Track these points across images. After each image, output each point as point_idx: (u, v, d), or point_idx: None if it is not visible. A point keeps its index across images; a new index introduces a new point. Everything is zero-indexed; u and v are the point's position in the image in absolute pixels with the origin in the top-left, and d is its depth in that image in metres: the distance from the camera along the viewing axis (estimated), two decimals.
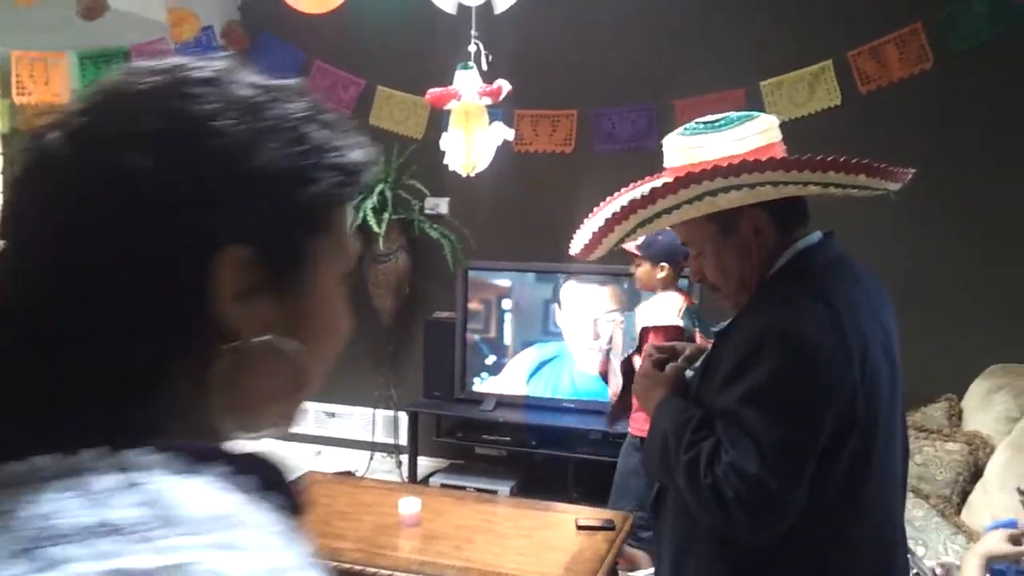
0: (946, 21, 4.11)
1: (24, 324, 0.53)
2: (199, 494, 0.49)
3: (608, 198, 1.82)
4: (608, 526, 3.01)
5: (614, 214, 1.55)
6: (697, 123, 1.59)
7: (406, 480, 4.75)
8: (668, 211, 1.47)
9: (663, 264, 3.46)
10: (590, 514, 3.15)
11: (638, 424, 3.51)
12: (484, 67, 3.50)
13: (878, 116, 4.22)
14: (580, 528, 2.99)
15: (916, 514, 2.84)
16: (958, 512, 2.91)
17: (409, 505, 2.99)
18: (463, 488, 4.39)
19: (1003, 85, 4.08)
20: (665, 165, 1.63)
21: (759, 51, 4.39)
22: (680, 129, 1.62)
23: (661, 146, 1.65)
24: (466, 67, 3.50)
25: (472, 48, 3.51)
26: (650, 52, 4.54)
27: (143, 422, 0.53)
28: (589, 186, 4.61)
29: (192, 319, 0.55)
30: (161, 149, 0.54)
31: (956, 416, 3.38)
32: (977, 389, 3.42)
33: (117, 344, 0.53)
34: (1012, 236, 4.06)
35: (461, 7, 3.43)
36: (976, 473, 2.98)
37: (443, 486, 4.44)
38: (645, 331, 3.32)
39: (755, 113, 1.61)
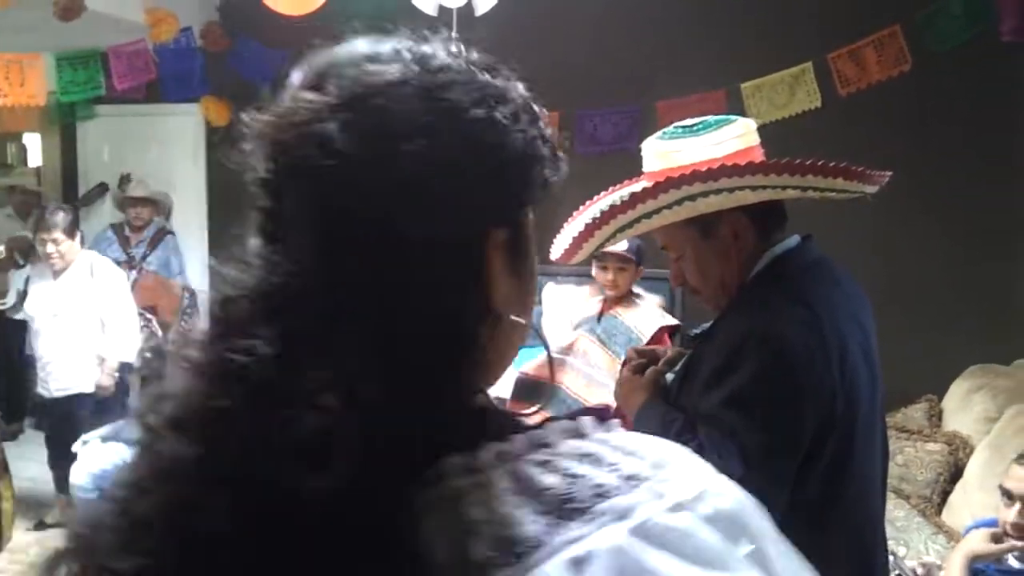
0: (924, 23, 4.13)
1: (336, 312, 0.54)
2: (636, 440, 0.56)
3: (588, 202, 1.81)
4: None
5: (594, 219, 1.54)
6: (676, 127, 1.59)
7: None
8: (648, 216, 1.46)
9: (641, 267, 3.47)
10: None
11: None
12: None
13: (858, 117, 4.24)
14: None
15: (897, 514, 2.85)
16: (939, 512, 2.92)
17: None
18: None
19: (981, 84, 4.11)
20: (644, 169, 1.63)
21: (740, 53, 4.40)
22: (659, 133, 1.61)
23: (642, 149, 1.65)
24: None
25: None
26: (632, 53, 4.55)
27: (456, 394, 0.56)
28: (572, 188, 4.59)
29: (470, 299, 0.57)
30: (436, 141, 0.55)
31: (936, 416, 3.41)
32: (957, 390, 3.44)
33: (425, 324, 0.55)
34: (991, 236, 4.09)
35: (442, 8, 3.43)
36: (956, 473, 3.00)
37: None
38: (662, 331, 3.30)
39: (733, 117, 1.60)
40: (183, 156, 5.49)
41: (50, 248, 3.88)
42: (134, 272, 4.99)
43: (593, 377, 3.29)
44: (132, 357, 4.20)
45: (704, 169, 1.39)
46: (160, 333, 4.60)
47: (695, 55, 4.47)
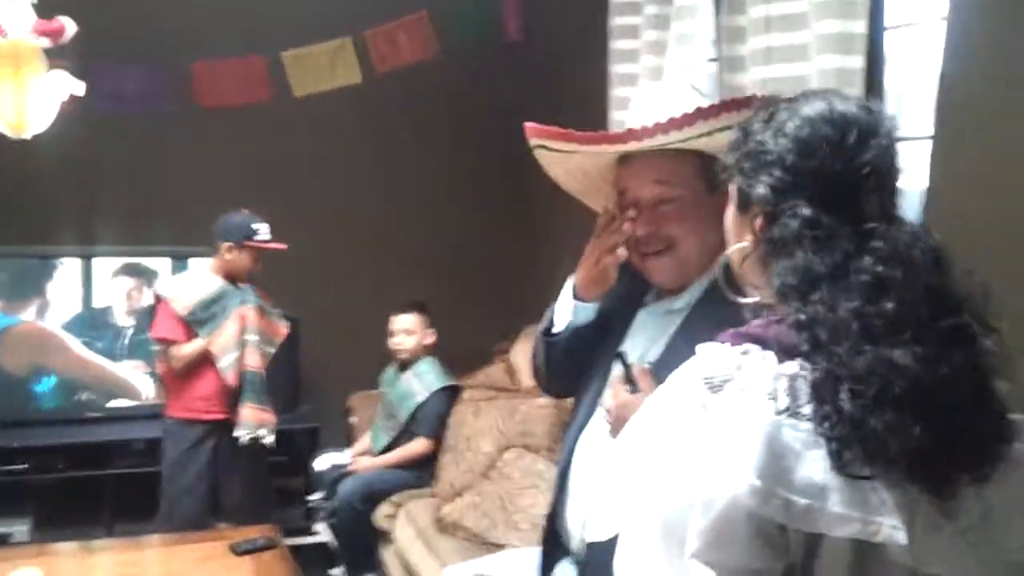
0: (447, 13, 4.44)
1: None
2: None
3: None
4: (269, 544, 2.69)
5: (685, 114, 1.38)
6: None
7: None
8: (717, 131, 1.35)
9: None
10: (237, 535, 2.77)
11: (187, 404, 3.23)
12: None
13: (394, 96, 4.40)
14: (240, 554, 2.62)
15: (539, 467, 3.17)
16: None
17: None
18: None
19: (492, 75, 4.59)
20: (668, 113, 1.43)
21: (280, 22, 4.21)
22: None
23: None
24: None
25: None
26: (165, 7, 4.00)
27: None
28: (82, 150, 3.89)
29: None
30: None
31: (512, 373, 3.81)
32: (523, 348, 3.89)
33: None
34: (505, 215, 4.62)
35: None
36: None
37: None
38: None
39: None
40: None
41: None
42: None
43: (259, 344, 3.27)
44: None
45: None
46: None
47: (234, 18, 4.13)
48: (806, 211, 0.95)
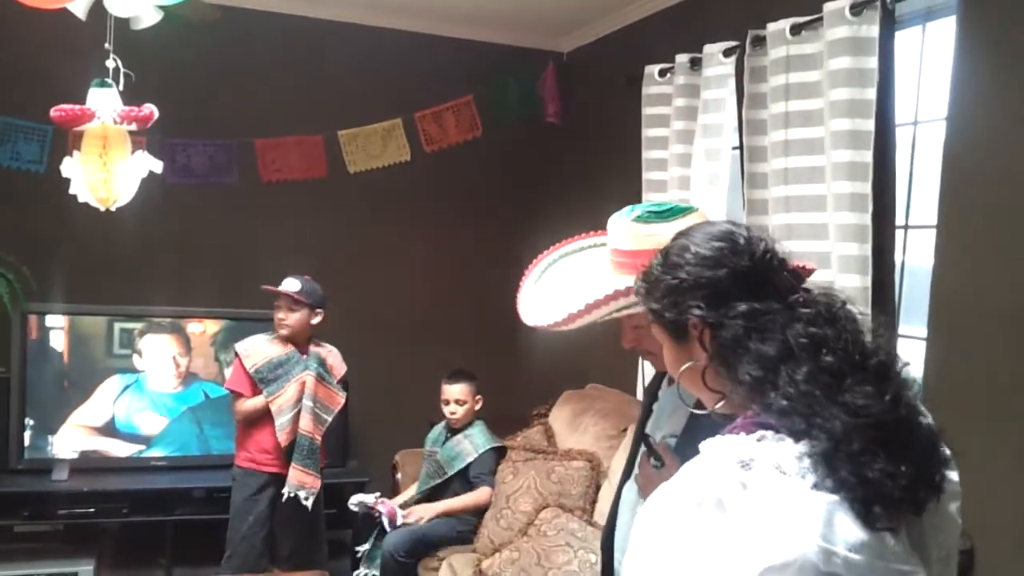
0: (489, 98, 4.75)
1: None
2: None
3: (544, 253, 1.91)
4: None
5: (596, 300, 1.62)
6: (646, 211, 1.75)
7: None
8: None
9: (319, 310, 3.48)
10: None
11: (252, 455, 3.45)
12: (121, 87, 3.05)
13: (442, 172, 4.70)
14: None
15: (572, 526, 3.33)
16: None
17: None
18: None
19: (530, 153, 4.89)
20: (615, 246, 1.75)
21: (339, 103, 4.54)
22: (630, 214, 1.75)
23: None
24: (104, 84, 3.01)
25: (111, 64, 3.03)
26: (234, 90, 4.36)
27: None
28: (164, 218, 4.21)
29: None
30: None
31: (552, 437, 3.97)
32: (561, 412, 4.06)
33: None
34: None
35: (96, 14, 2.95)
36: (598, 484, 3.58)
37: None
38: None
39: (693, 207, 1.83)
40: None
41: None
42: None
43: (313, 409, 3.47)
44: None
45: None
46: None
47: (296, 99, 4.47)
48: (742, 307, 1.09)
